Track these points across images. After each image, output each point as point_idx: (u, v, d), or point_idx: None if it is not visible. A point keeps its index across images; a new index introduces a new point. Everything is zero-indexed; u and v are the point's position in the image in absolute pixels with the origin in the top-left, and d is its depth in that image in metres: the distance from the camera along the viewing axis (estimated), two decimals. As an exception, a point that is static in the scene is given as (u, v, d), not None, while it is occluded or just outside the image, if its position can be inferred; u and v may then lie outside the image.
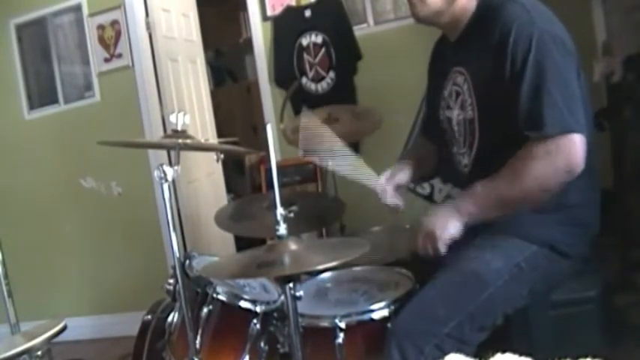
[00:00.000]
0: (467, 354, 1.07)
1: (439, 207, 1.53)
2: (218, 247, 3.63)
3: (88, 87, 3.69)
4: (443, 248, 1.49)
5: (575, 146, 1.38)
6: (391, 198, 1.73)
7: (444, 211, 1.52)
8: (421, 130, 1.91)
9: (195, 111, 3.91)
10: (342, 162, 1.69)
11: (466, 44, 1.60)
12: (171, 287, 1.88)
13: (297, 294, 1.41)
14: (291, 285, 1.40)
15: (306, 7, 3.35)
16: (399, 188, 1.77)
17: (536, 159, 1.40)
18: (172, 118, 1.74)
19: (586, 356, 0.95)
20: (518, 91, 1.42)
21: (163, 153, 3.18)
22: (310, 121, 1.70)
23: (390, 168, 1.81)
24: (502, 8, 1.48)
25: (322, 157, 1.69)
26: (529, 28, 1.42)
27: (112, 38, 3.59)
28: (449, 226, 1.49)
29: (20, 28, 3.80)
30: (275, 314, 1.75)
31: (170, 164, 1.63)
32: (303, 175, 3.19)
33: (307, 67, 3.37)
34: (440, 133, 1.77)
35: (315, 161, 1.71)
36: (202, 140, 3.23)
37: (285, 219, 1.42)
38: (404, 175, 1.80)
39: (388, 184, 1.75)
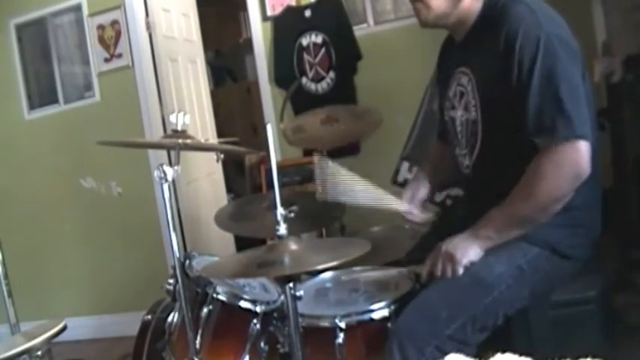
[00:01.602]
0: (467, 354, 1.07)
1: (458, 235, 1.54)
2: (218, 247, 3.63)
3: (88, 87, 3.69)
4: (461, 271, 1.50)
5: (581, 153, 1.38)
6: (418, 216, 1.76)
7: (464, 237, 1.52)
8: (438, 135, 1.90)
9: (195, 111, 3.91)
10: (364, 195, 1.69)
11: (472, 45, 1.59)
12: (171, 287, 1.88)
13: (297, 294, 1.41)
14: (291, 285, 1.40)
15: (306, 7, 3.35)
16: (422, 204, 1.80)
17: (545, 175, 1.40)
18: (172, 118, 1.74)
19: (586, 356, 0.95)
20: (525, 96, 1.41)
21: (163, 153, 3.18)
22: (324, 164, 1.71)
23: (409, 187, 1.84)
24: (508, 9, 1.47)
25: (343, 198, 1.68)
26: (536, 31, 1.41)
27: (112, 38, 3.59)
28: (469, 252, 1.49)
29: (20, 28, 3.80)
30: (275, 314, 1.75)
31: (170, 164, 1.63)
32: (303, 175, 3.19)
33: (307, 67, 3.37)
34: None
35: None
36: (202, 140, 3.23)
37: (285, 219, 1.42)
38: (424, 190, 1.83)
39: (412, 204, 1.78)
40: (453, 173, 1.78)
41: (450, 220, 1.83)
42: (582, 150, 1.38)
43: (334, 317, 1.57)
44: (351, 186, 1.68)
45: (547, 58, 1.40)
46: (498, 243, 1.50)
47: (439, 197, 2.61)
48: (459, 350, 1.16)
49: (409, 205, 1.77)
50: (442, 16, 1.58)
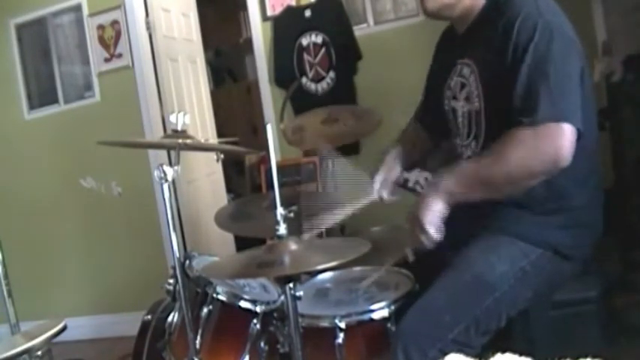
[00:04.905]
0: (469, 355, 1.06)
1: (422, 193, 1.50)
2: (218, 247, 3.63)
3: (88, 87, 3.69)
4: (432, 231, 1.45)
5: (563, 136, 1.35)
6: (386, 199, 1.75)
7: (424, 195, 1.48)
8: (416, 116, 1.90)
9: (195, 111, 3.91)
10: (339, 211, 1.70)
11: (474, 36, 1.58)
12: (171, 287, 1.88)
13: (297, 294, 1.41)
14: (291, 285, 1.40)
15: (306, 7, 3.35)
16: (393, 185, 1.79)
17: (522, 143, 1.37)
18: (172, 118, 1.74)
19: (586, 356, 0.94)
20: (516, 76, 1.40)
21: (163, 153, 3.18)
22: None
23: (382, 168, 1.80)
24: (511, 0, 1.48)
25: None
26: (534, 18, 1.41)
27: (112, 38, 3.59)
28: (431, 207, 1.45)
29: (20, 28, 3.80)
30: (275, 314, 1.75)
31: (170, 164, 1.63)
32: (303, 175, 3.19)
33: (307, 67, 3.37)
34: (434, 122, 1.77)
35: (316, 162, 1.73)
36: (202, 140, 3.23)
37: (285, 219, 1.42)
38: (395, 172, 1.81)
39: (383, 187, 1.77)
40: (425, 155, 1.78)
41: (451, 220, 1.82)
42: (566, 134, 1.35)
43: (334, 317, 1.57)
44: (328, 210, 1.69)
45: (542, 42, 1.39)
46: (459, 200, 1.45)
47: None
48: (461, 352, 1.16)
49: (379, 189, 1.76)
50: (447, 5, 1.57)
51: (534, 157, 1.37)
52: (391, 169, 1.81)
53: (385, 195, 1.76)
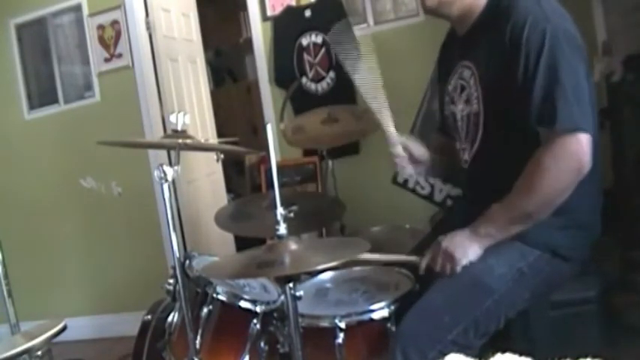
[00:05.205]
0: (468, 356, 1.06)
1: (458, 231, 1.53)
2: (218, 247, 3.63)
3: (88, 87, 3.69)
4: (459, 270, 1.50)
5: (582, 146, 1.38)
6: (399, 152, 1.74)
7: (464, 236, 1.51)
8: (437, 129, 1.89)
9: (195, 111, 3.91)
10: (367, 86, 1.72)
11: (475, 38, 1.58)
12: (171, 287, 1.89)
13: (297, 294, 1.41)
14: (291, 285, 1.40)
15: (306, 7, 3.34)
16: (411, 157, 1.77)
17: (545, 168, 1.40)
18: (172, 118, 1.74)
19: (586, 356, 0.94)
20: (530, 88, 1.41)
21: (163, 153, 3.18)
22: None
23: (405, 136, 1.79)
24: (515, 2, 1.47)
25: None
26: (542, 24, 1.41)
27: (112, 38, 3.59)
28: (469, 251, 1.49)
29: (20, 28, 3.80)
30: (275, 314, 1.75)
31: (170, 164, 1.63)
32: (303, 175, 3.20)
33: (307, 67, 3.37)
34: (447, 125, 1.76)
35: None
36: (202, 140, 3.23)
37: (285, 219, 1.42)
38: (420, 150, 1.78)
39: (405, 150, 1.76)
40: (450, 166, 1.77)
41: (451, 220, 1.83)
42: (583, 142, 1.38)
43: (334, 317, 1.57)
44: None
45: (552, 51, 1.40)
46: (499, 240, 1.49)
47: (439, 197, 2.62)
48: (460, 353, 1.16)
49: (400, 144, 1.76)
50: (447, 2, 1.57)
51: (561, 177, 1.40)
52: (415, 144, 1.79)
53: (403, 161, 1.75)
